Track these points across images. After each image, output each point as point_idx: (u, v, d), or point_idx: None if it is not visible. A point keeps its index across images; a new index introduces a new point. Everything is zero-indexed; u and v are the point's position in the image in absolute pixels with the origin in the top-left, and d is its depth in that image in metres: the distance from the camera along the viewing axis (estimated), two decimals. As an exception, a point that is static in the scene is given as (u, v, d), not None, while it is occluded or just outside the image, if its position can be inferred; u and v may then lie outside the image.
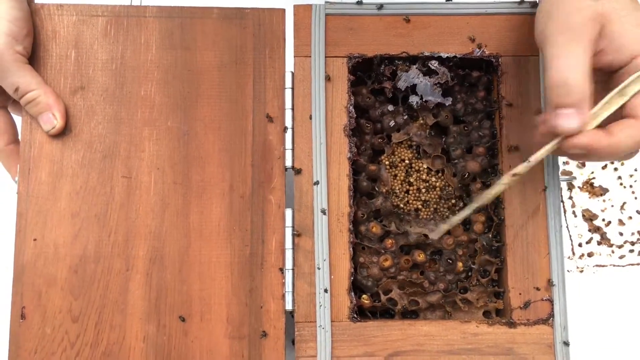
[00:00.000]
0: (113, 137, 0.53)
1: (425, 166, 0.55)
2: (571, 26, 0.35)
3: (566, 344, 0.50)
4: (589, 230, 0.64)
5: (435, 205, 0.55)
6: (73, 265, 0.52)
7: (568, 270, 0.54)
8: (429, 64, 0.54)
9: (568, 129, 0.35)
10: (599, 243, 0.63)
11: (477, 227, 0.54)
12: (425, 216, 0.55)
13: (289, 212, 0.52)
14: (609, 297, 0.61)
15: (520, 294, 0.52)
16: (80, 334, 0.51)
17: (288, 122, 0.53)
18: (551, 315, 0.51)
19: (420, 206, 0.55)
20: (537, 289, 0.52)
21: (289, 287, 0.51)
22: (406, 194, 0.55)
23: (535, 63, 0.53)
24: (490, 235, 0.54)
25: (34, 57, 0.53)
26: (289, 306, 0.51)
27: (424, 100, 0.55)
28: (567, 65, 0.34)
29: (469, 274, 0.55)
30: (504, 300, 0.53)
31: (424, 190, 0.55)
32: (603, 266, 0.62)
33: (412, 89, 0.55)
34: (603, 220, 0.64)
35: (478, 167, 0.54)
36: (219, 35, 0.54)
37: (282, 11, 0.54)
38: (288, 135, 0.53)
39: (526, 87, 0.53)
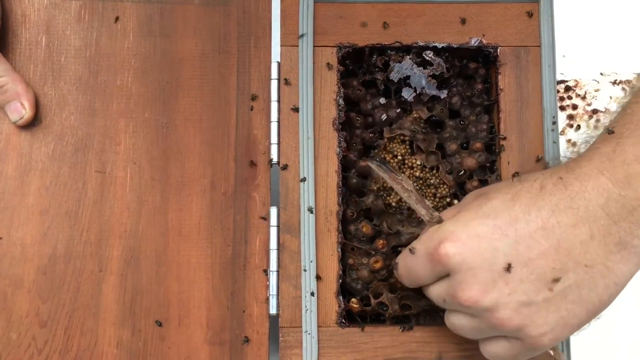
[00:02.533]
0: (86, 129, 0.51)
1: (418, 162, 0.53)
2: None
3: None
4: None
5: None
6: (41, 265, 0.49)
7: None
8: (424, 55, 0.52)
9: None
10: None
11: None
12: (418, 215, 0.52)
13: (273, 211, 0.50)
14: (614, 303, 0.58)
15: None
16: (48, 340, 0.48)
17: (274, 115, 0.51)
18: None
19: (413, 205, 0.52)
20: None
21: (273, 290, 0.50)
22: (398, 192, 0.52)
23: (536, 54, 0.51)
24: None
25: (1, 43, 0.51)
26: (273, 310, 0.49)
27: (417, 92, 0.53)
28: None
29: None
30: (502, 305, 0.50)
31: (417, 187, 0.52)
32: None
33: (406, 81, 0.53)
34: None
35: (475, 163, 0.52)
36: (201, 23, 0.52)
37: (269, -3, 0.53)
38: (273, 128, 0.51)
39: (526, 79, 0.51)
